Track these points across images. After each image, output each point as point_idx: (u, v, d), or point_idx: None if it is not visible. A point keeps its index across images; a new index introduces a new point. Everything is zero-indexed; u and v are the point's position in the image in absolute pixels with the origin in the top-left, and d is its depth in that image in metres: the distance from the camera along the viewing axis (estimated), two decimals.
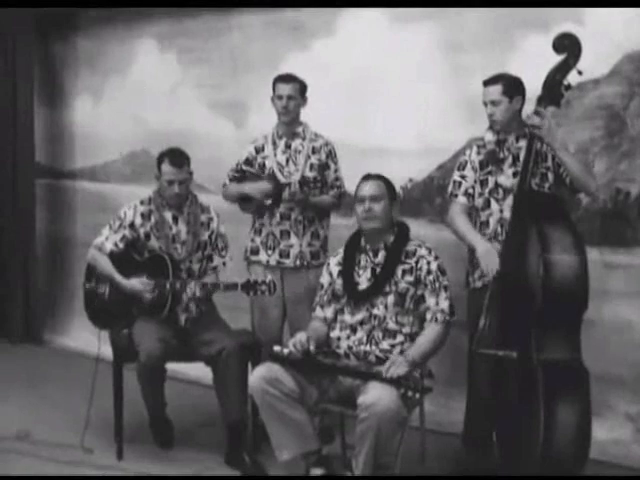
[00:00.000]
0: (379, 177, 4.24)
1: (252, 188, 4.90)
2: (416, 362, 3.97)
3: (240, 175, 5.01)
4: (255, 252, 4.99)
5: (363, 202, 4.16)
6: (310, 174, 4.88)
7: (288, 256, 4.91)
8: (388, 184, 4.25)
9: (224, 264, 4.88)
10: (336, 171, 4.98)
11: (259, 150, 4.98)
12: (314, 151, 4.93)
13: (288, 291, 4.93)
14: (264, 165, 4.94)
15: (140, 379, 4.53)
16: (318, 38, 5.74)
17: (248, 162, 5.00)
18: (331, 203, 4.97)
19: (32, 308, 7.51)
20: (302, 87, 4.89)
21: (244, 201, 4.97)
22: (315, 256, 4.91)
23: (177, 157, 4.68)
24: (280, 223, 4.89)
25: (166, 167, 4.65)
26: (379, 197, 4.16)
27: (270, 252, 4.93)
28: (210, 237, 4.84)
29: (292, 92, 4.84)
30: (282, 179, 4.85)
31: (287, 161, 4.92)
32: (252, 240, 5.01)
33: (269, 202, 4.84)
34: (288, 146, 4.94)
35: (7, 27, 7.18)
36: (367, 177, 4.25)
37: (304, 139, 4.94)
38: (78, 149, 7.43)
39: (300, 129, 4.96)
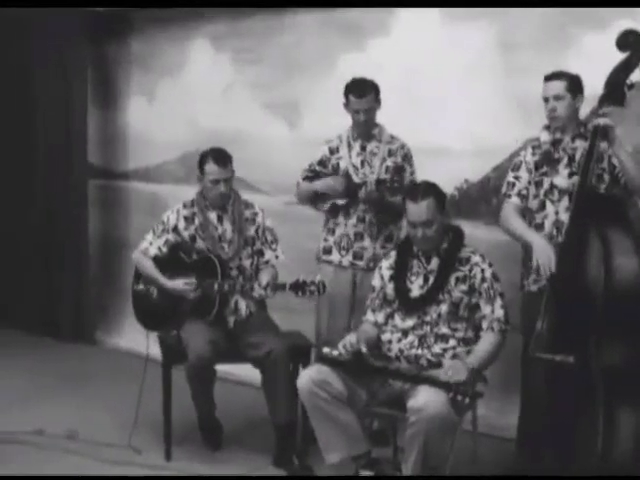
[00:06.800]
0: (427, 193, 4.04)
1: (324, 184, 4.88)
2: (476, 370, 3.92)
3: (313, 175, 4.97)
4: (328, 252, 4.97)
5: (415, 228, 4.05)
6: (385, 176, 4.84)
7: (361, 258, 4.88)
8: (438, 197, 4.06)
9: (277, 257, 4.85)
10: (412, 174, 4.92)
11: (333, 151, 4.94)
12: (390, 154, 4.89)
13: (359, 291, 4.89)
14: (338, 166, 4.90)
15: (189, 380, 4.53)
16: (372, 38, 5.69)
17: (322, 163, 4.96)
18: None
19: (84, 308, 7.56)
20: (376, 93, 4.80)
21: (317, 200, 4.95)
22: None
23: (221, 156, 4.67)
24: (355, 225, 4.86)
25: (210, 167, 4.64)
26: (432, 221, 4.03)
27: (344, 253, 4.90)
28: (257, 232, 4.82)
29: (368, 105, 4.77)
30: (357, 181, 4.82)
31: (362, 163, 4.87)
32: (325, 240, 4.99)
33: (343, 202, 4.82)
34: (363, 148, 4.90)
35: (61, 28, 7.24)
36: (415, 196, 4.04)
37: (380, 141, 4.90)
38: (131, 150, 7.47)
39: (376, 131, 4.91)
